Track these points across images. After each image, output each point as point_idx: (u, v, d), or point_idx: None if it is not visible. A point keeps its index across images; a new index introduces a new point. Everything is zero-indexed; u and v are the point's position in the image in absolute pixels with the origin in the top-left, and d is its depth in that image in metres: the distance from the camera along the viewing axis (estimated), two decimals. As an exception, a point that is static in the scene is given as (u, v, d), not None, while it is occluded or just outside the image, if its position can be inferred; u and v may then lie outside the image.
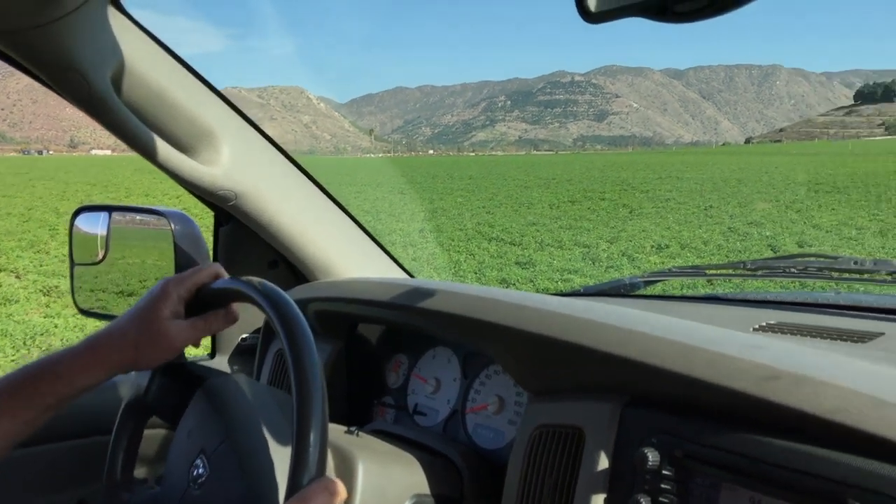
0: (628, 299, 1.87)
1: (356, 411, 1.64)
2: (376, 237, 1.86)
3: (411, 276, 1.92)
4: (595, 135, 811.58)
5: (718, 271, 1.90)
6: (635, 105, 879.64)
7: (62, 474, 1.66)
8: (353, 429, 1.27)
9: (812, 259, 1.71)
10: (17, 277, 10.50)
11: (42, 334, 7.16)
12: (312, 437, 0.90)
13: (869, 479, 0.78)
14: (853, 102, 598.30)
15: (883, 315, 1.48)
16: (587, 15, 0.68)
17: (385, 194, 26.31)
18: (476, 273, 10.80)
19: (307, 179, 1.72)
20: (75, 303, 1.82)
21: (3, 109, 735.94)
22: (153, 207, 1.81)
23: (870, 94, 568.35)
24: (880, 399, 0.81)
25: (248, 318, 1.82)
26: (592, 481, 1.04)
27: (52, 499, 1.65)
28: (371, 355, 1.69)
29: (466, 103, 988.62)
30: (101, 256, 1.86)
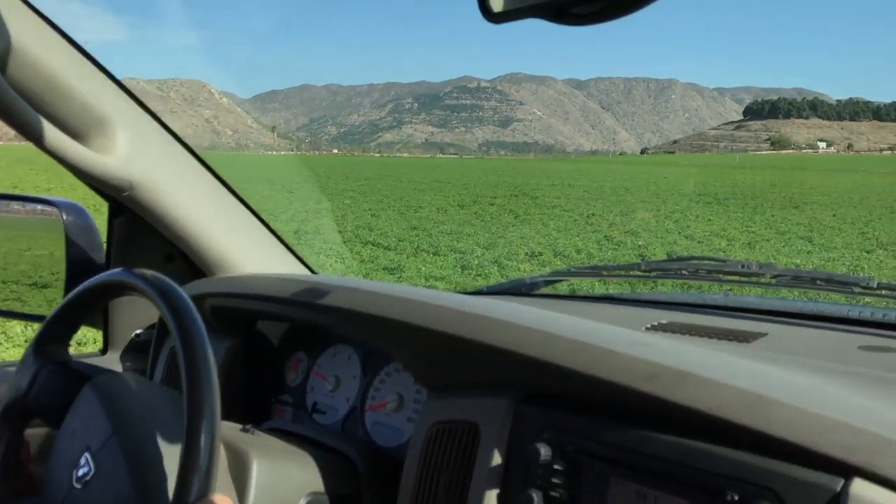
0: (529, 298, 1.90)
1: (253, 409, 1.60)
2: (279, 233, 1.82)
3: (314, 272, 1.88)
4: (500, 140, 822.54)
5: (615, 272, 1.98)
6: (539, 113, 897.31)
7: None
8: (248, 427, 1.26)
9: (703, 262, 1.76)
10: None
11: None
12: (203, 438, 0.88)
13: (747, 471, 0.82)
14: (742, 118, 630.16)
15: (767, 316, 1.54)
16: (489, 14, 0.69)
17: (273, 192, 25.36)
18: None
19: (208, 172, 1.66)
20: None
21: None
22: (43, 197, 1.75)
23: (758, 111, 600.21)
24: (760, 395, 0.85)
25: (143, 314, 1.81)
26: (487, 477, 1.06)
27: None
28: (270, 353, 1.67)
29: (373, 104, 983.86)
30: None
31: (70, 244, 1.67)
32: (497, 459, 1.05)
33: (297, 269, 1.85)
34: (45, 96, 1.30)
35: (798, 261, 11.88)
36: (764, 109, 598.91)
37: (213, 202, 1.68)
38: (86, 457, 1.05)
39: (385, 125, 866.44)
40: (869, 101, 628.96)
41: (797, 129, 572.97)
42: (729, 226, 17.30)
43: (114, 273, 1.16)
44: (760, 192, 31.18)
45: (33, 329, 1.68)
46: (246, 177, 34.70)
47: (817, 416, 0.81)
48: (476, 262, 11.49)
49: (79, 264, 1.72)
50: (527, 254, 12.52)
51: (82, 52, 1.37)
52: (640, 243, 13.97)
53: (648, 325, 1.46)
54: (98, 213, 1.79)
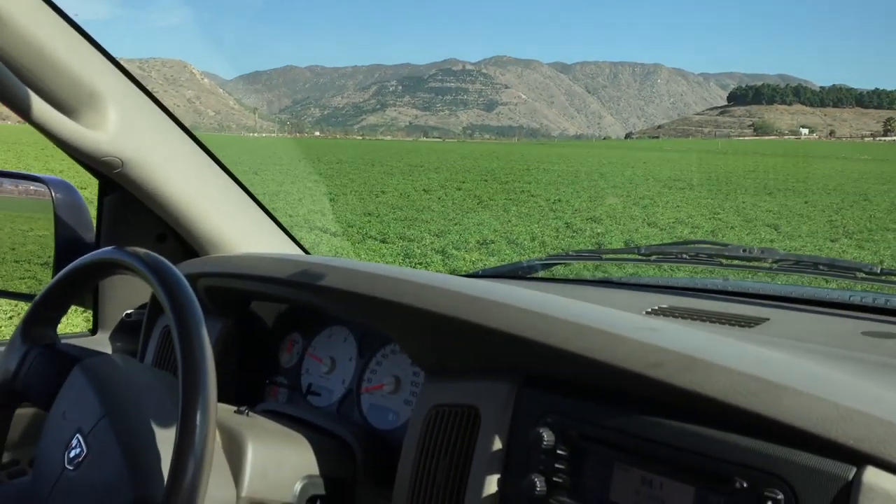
0: (526, 281, 1.88)
1: (247, 391, 1.59)
2: (273, 212, 1.79)
3: (308, 252, 1.86)
4: (484, 124, 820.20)
5: (615, 255, 1.95)
6: (524, 97, 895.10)
7: None
8: (243, 409, 1.25)
9: (703, 246, 1.72)
10: None
11: None
12: (199, 418, 0.87)
13: (755, 458, 0.81)
14: (727, 103, 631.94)
15: (768, 301, 1.54)
16: None
17: (237, 174, 24.58)
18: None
19: (201, 150, 1.63)
20: None
21: None
22: (31, 174, 1.72)
23: (742, 96, 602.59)
24: (769, 382, 0.84)
25: (134, 293, 1.79)
26: (487, 461, 1.05)
27: None
28: (264, 333, 1.65)
29: (357, 86, 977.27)
30: None
31: (59, 222, 1.64)
32: (498, 444, 1.04)
33: (291, 250, 1.82)
34: (35, 70, 1.26)
35: (759, 250, 11.38)
36: (748, 95, 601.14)
37: (206, 181, 1.63)
38: (77, 438, 1.03)
39: (369, 108, 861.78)
40: (852, 88, 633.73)
41: (780, 116, 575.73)
42: (696, 213, 16.84)
43: (106, 251, 1.15)
44: (736, 177, 30.82)
45: (22, 308, 1.59)
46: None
47: (829, 403, 0.80)
48: (419, 251, 10.90)
49: (68, 243, 1.69)
50: (478, 241, 11.96)
51: (73, 25, 1.32)
52: (599, 230, 13.45)
53: (649, 310, 1.44)
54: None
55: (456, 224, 14.00)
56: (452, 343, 1.16)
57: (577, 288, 1.78)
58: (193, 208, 1.60)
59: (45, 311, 1.23)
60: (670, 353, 0.92)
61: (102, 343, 1.80)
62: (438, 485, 1.10)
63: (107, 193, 1.69)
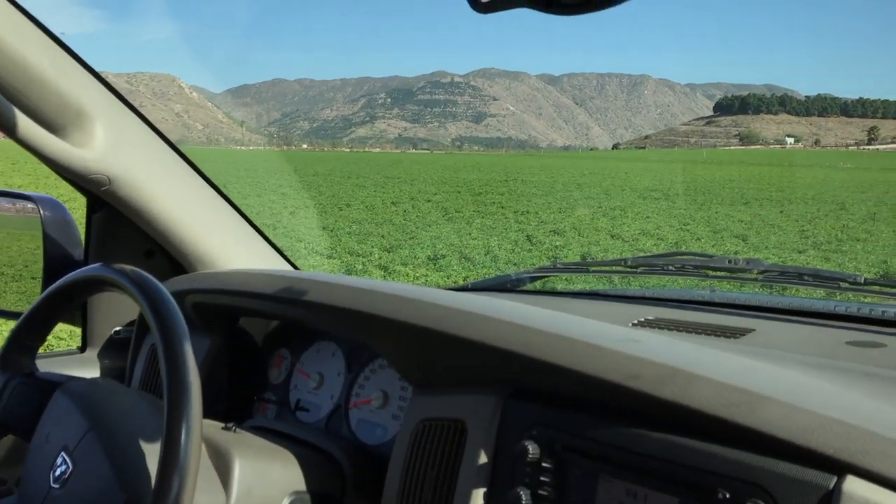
0: (514, 294, 1.88)
1: (236, 407, 1.59)
2: (262, 229, 1.80)
3: (296, 268, 1.86)
4: (473, 136, 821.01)
5: (601, 268, 1.95)
6: (512, 108, 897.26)
7: None
8: (230, 425, 1.24)
9: (689, 257, 1.73)
10: None
11: None
12: (183, 434, 0.88)
13: (737, 468, 0.81)
14: (713, 113, 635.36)
15: (754, 312, 1.55)
16: (476, 4, 0.66)
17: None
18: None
19: (188, 166, 1.64)
20: None
21: None
22: (19, 192, 1.73)
23: (728, 106, 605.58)
24: (751, 392, 0.84)
25: (123, 310, 1.79)
26: (474, 475, 1.05)
27: None
28: (252, 350, 1.66)
29: (346, 99, 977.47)
30: None
31: (48, 240, 1.66)
32: (484, 457, 1.04)
33: (280, 266, 1.82)
34: (21, 88, 1.26)
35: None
36: (734, 105, 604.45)
37: (194, 197, 1.63)
38: (62, 456, 1.04)
39: (358, 120, 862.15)
40: (837, 97, 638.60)
41: (766, 125, 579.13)
42: (665, 223, 16.39)
43: (93, 268, 1.15)
44: (716, 187, 30.50)
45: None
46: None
47: (809, 413, 0.80)
48: (361, 266, 10.35)
49: (57, 260, 1.70)
50: (428, 257, 11.42)
51: (59, 43, 1.33)
52: (558, 243, 12.96)
53: (635, 321, 1.45)
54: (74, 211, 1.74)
55: (411, 238, 13.47)
56: (439, 357, 1.16)
57: (564, 300, 1.78)
58: (181, 225, 1.60)
59: (25, 338, 1.23)
60: (651, 365, 0.92)
61: (91, 360, 1.78)
62: (425, 499, 1.09)
63: (95, 210, 1.69)
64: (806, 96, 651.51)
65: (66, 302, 1.21)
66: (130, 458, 0.98)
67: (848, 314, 1.47)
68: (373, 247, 12.28)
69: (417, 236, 13.71)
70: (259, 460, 1.15)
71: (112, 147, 1.44)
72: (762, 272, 1.58)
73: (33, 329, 1.23)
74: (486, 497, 1.02)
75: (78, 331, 1.83)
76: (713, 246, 12.99)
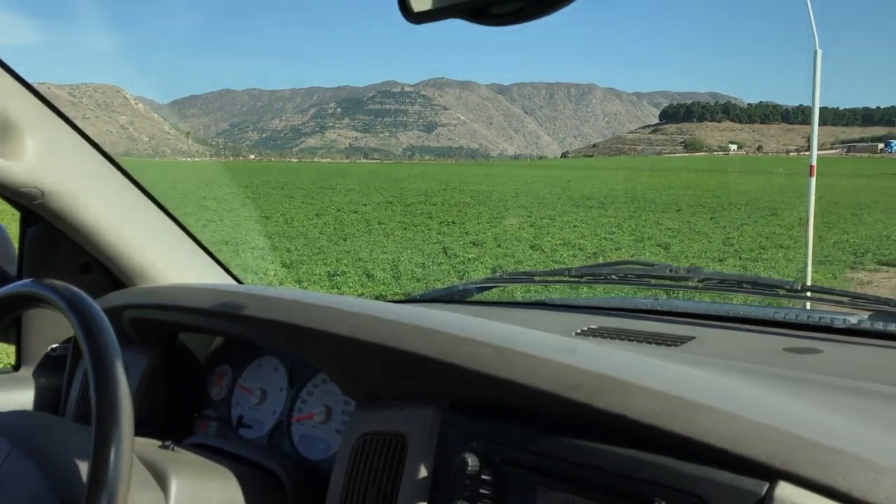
0: (462, 305, 1.88)
1: (175, 425, 1.57)
2: (203, 242, 1.75)
3: (240, 282, 1.82)
4: (424, 145, 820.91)
5: (545, 277, 1.95)
6: (462, 118, 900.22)
7: None
8: (168, 443, 1.24)
9: (632, 266, 1.75)
10: None
11: None
12: (112, 454, 0.86)
13: (673, 477, 0.81)
14: (659, 121, 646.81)
15: (695, 320, 1.57)
16: (409, 15, 0.67)
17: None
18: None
19: (125, 178, 1.60)
20: None
21: None
22: None
23: (673, 114, 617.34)
24: (686, 401, 0.85)
25: (59, 327, 1.75)
26: (414, 488, 1.04)
27: None
28: (193, 365, 1.63)
29: (296, 109, 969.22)
30: None
31: None
32: (424, 471, 1.04)
33: (222, 280, 1.78)
34: None
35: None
36: (679, 113, 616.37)
37: (131, 210, 1.60)
38: None
39: (308, 130, 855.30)
40: (778, 105, 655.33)
41: (710, 132, 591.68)
42: (589, 233, 15.86)
43: (22, 284, 1.12)
44: (653, 194, 30.27)
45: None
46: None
47: (741, 420, 0.81)
48: (250, 281, 9.51)
49: None
50: (328, 273, 10.64)
51: None
52: (471, 256, 12.28)
53: (579, 330, 1.45)
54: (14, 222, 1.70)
55: (319, 253, 12.66)
56: (377, 370, 1.16)
57: (510, 310, 1.78)
58: (118, 238, 1.56)
59: None
60: (588, 374, 0.92)
61: (25, 379, 1.73)
62: None
63: (29, 224, 1.65)
64: (748, 103, 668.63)
65: None
66: (63, 467, 0.95)
67: (786, 321, 1.47)
68: (272, 263, 11.47)
69: (326, 251, 12.91)
70: (197, 479, 1.13)
71: (43, 159, 1.39)
72: (702, 280, 1.58)
73: None
74: None
75: (12, 349, 1.76)
76: (633, 254, 12.49)
